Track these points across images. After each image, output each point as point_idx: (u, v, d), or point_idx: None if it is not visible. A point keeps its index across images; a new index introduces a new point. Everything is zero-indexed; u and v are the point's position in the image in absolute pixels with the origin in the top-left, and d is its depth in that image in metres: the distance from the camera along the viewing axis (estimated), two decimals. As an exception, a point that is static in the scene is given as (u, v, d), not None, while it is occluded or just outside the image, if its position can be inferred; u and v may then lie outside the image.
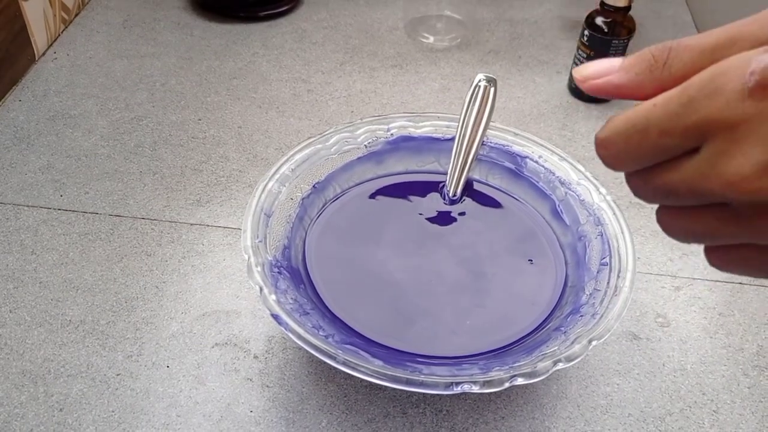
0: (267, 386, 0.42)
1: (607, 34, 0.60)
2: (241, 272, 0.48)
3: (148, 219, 0.51)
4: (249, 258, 0.39)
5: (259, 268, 0.39)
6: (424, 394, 0.41)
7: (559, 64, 0.69)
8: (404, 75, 0.66)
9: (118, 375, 0.42)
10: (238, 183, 0.54)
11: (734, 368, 0.44)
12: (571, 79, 0.65)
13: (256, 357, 0.43)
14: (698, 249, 0.51)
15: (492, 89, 0.49)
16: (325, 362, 0.35)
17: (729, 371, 0.44)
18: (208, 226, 0.51)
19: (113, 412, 0.40)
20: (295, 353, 0.43)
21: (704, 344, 0.45)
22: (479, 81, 0.49)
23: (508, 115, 0.62)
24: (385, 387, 0.41)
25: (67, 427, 0.39)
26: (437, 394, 0.41)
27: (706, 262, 0.50)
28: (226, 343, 0.44)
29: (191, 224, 0.51)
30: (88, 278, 0.47)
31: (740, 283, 0.49)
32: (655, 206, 0.54)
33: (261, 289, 0.38)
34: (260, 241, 0.40)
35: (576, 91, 0.64)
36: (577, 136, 0.61)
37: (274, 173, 0.45)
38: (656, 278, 0.49)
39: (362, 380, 0.41)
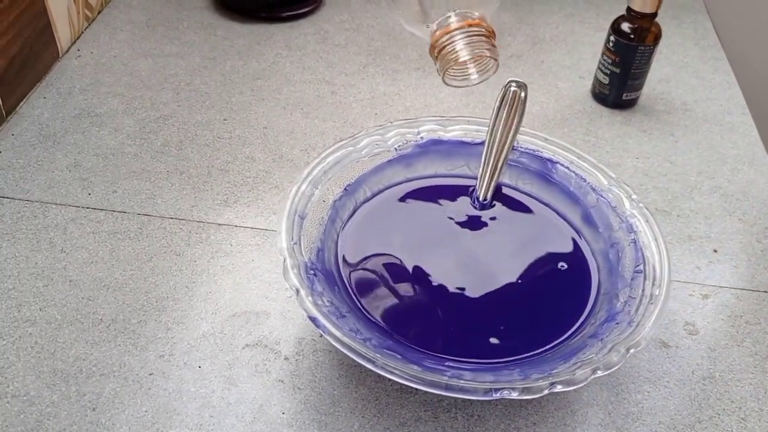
0: (298, 388, 0.42)
1: (634, 40, 0.60)
2: (270, 273, 0.48)
3: (176, 218, 0.51)
4: (285, 260, 0.39)
5: (295, 270, 0.39)
6: (455, 398, 0.42)
7: (581, 69, 0.69)
8: (427, 78, 0.66)
9: (150, 375, 0.42)
10: (264, 184, 0.54)
11: (761, 376, 0.44)
12: (595, 83, 0.65)
13: (286, 359, 0.43)
14: (725, 257, 0.51)
15: (522, 94, 0.49)
16: (357, 365, 0.36)
17: (756, 379, 0.44)
18: (236, 226, 0.51)
19: (146, 412, 0.40)
20: (325, 355, 0.43)
21: (732, 352, 0.45)
22: (509, 86, 0.49)
23: (531, 120, 0.62)
24: (417, 390, 0.42)
25: (100, 427, 0.39)
26: (469, 399, 0.42)
27: (733, 270, 0.51)
28: (256, 344, 0.44)
29: (219, 224, 0.51)
30: (118, 277, 0.47)
31: (766, 292, 0.49)
32: (681, 212, 0.54)
33: (297, 291, 0.38)
34: (295, 243, 0.41)
35: (599, 96, 0.64)
36: (601, 142, 0.61)
37: (307, 175, 0.45)
38: (684, 286, 0.49)
39: (393, 383, 0.41)
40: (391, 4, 0.33)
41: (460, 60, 0.32)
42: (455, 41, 0.32)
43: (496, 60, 0.32)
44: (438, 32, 0.32)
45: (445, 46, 0.32)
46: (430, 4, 0.32)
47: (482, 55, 0.32)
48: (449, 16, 0.32)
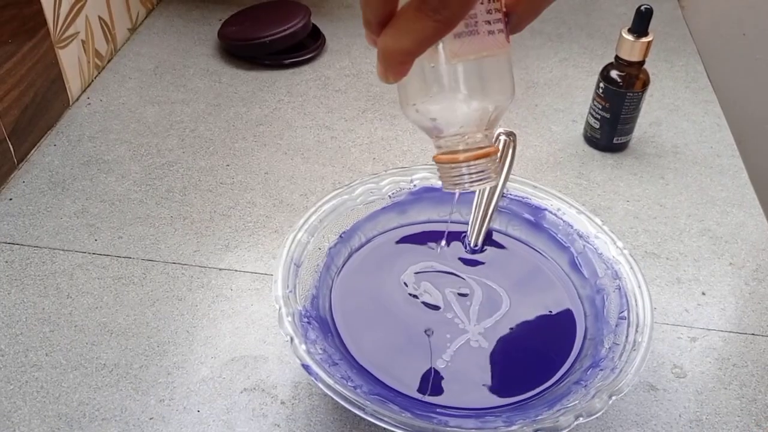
0: (294, 432, 0.43)
1: (622, 86, 0.62)
2: (268, 317, 0.49)
3: (178, 264, 0.53)
4: (280, 308, 0.41)
5: (289, 318, 0.40)
6: (446, 442, 0.43)
7: (574, 113, 0.71)
8: (424, 122, 0.68)
9: (150, 419, 0.43)
10: (264, 228, 0.56)
11: (747, 419, 0.45)
12: (586, 127, 0.66)
13: (283, 403, 0.44)
14: (713, 300, 0.52)
15: (511, 143, 0.51)
16: (352, 411, 0.37)
17: (742, 422, 0.45)
18: (236, 271, 0.53)
19: (146, 455, 0.41)
20: (320, 399, 0.45)
21: (719, 395, 0.46)
22: (499, 135, 0.51)
23: (524, 163, 0.64)
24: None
25: (102, 470, 0.41)
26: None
27: (721, 313, 0.52)
28: (254, 389, 0.45)
29: (220, 269, 0.53)
30: (121, 322, 0.48)
31: (753, 335, 0.50)
32: (671, 255, 0.55)
33: (291, 340, 0.39)
34: (290, 291, 0.42)
35: (591, 140, 0.66)
36: (593, 185, 0.62)
37: (303, 224, 0.46)
38: (673, 329, 0.50)
39: (387, 429, 0.42)
40: (408, 109, 0.32)
41: (462, 190, 0.34)
42: (462, 173, 0.33)
43: (494, 180, 0.34)
44: (444, 155, 0.33)
45: (449, 172, 0.34)
46: (443, 123, 0.32)
47: (482, 183, 0.34)
48: (458, 143, 0.33)
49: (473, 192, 0.50)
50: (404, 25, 0.27)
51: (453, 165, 0.33)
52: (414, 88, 0.31)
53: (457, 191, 0.34)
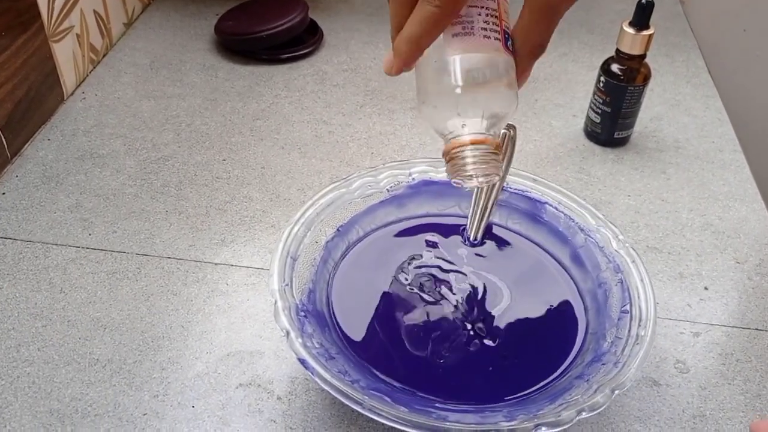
0: (290, 428, 0.42)
1: (623, 80, 0.61)
2: (264, 312, 0.49)
3: (173, 258, 0.52)
4: (276, 302, 0.40)
5: (285, 312, 0.39)
6: (445, 438, 0.42)
7: (575, 108, 0.70)
8: (423, 117, 0.68)
9: (144, 415, 0.42)
10: (261, 223, 0.55)
11: (752, 414, 0.44)
12: (587, 122, 0.66)
13: (279, 398, 0.44)
14: (716, 295, 0.52)
15: (512, 136, 0.50)
16: (347, 405, 0.36)
17: (747, 417, 0.44)
18: (232, 266, 0.52)
19: (140, 452, 0.41)
20: (317, 395, 0.44)
21: (723, 390, 0.46)
22: (499, 128, 0.50)
23: (525, 158, 0.64)
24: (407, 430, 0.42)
25: (94, 467, 0.40)
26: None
27: (724, 308, 0.51)
28: (249, 384, 0.44)
29: (216, 264, 0.52)
30: (115, 317, 0.48)
31: (757, 330, 0.50)
32: (673, 250, 0.54)
33: (288, 334, 0.38)
34: (287, 285, 0.41)
35: (592, 135, 0.66)
36: (594, 180, 0.62)
37: (300, 217, 0.46)
38: (675, 324, 0.49)
39: (384, 423, 0.42)
40: (421, 107, 0.36)
41: (466, 174, 0.36)
42: (466, 157, 0.35)
43: (498, 174, 0.36)
44: (450, 143, 0.36)
45: (454, 157, 0.35)
46: (449, 116, 0.35)
47: (486, 174, 0.36)
48: (462, 133, 0.35)
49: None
50: (412, 17, 0.32)
51: (456, 149, 0.35)
52: (425, 88, 0.35)
53: (464, 184, 0.36)
